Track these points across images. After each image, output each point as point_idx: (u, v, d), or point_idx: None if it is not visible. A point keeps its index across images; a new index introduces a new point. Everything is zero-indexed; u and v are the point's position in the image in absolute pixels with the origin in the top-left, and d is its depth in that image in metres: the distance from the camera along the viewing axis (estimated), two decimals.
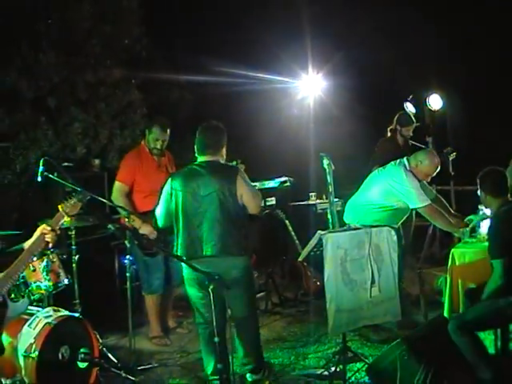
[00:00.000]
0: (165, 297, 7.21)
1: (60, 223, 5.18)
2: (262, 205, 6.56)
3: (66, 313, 5.48)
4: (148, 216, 6.58)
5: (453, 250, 6.14)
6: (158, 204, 5.71)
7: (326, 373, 5.88)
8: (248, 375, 5.87)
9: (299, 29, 10.78)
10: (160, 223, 5.78)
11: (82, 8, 8.93)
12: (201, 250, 5.47)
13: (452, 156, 8.95)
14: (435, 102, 9.76)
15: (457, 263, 6.03)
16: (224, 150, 5.71)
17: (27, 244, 5.16)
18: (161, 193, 5.66)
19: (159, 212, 5.71)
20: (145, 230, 6.70)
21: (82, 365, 5.17)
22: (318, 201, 7.99)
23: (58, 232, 5.17)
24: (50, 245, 5.19)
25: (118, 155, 9.26)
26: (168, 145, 7.16)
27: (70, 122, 8.86)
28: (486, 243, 6.02)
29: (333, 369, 5.78)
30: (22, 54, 8.32)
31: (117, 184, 6.92)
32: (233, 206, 5.48)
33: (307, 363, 6.31)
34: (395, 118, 8.64)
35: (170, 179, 5.64)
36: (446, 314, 5.95)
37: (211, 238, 5.44)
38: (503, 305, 5.10)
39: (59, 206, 5.14)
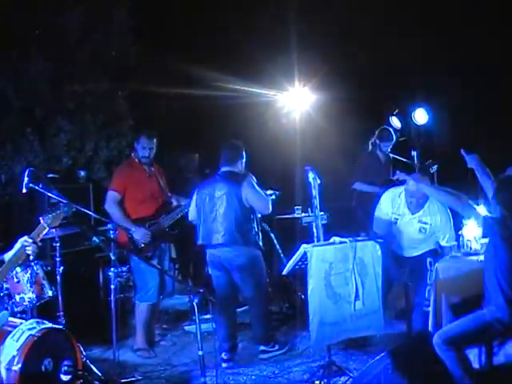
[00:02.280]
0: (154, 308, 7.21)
1: (41, 235, 5.16)
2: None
3: (50, 325, 5.45)
4: (141, 222, 6.92)
5: (437, 264, 6.14)
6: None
7: None
8: (258, 346, 6.85)
9: (287, 42, 10.81)
10: (190, 217, 7.00)
11: (71, 18, 8.91)
12: (213, 239, 6.66)
13: (434, 169, 8.97)
14: (421, 116, 9.79)
15: (441, 277, 6.03)
16: (240, 162, 6.81)
17: (8, 256, 5.13)
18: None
19: (190, 209, 6.95)
20: (138, 234, 6.85)
21: (66, 377, 5.15)
22: (303, 214, 8.00)
23: (39, 244, 5.15)
24: (31, 257, 5.17)
25: (104, 167, 9.25)
26: (156, 156, 7.22)
27: (57, 132, 8.84)
28: (472, 258, 6.09)
29: (317, 382, 5.79)
30: (11, 62, 8.29)
31: (110, 193, 7.02)
32: (239, 206, 6.58)
33: (291, 377, 6.27)
34: (376, 132, 8.70)
35: (198, 186, 6.94)
36: (430, 328, 5.95)
37: (221, 230, 6.61)
38: (489, 319, 5.11)
39: (40, 218, 5.13)
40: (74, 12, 8.92)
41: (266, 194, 6.82)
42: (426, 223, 6.73)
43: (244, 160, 6.86)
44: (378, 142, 8.64)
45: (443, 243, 6.60)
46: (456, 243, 6.53)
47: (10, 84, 8.35)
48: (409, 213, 6.79)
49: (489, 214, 5.32)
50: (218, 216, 6.65)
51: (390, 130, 8.93)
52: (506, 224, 5.06)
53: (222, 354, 6.66)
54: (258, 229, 6.78)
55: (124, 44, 9.71)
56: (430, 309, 5.99)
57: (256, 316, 6.91)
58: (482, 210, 5.93)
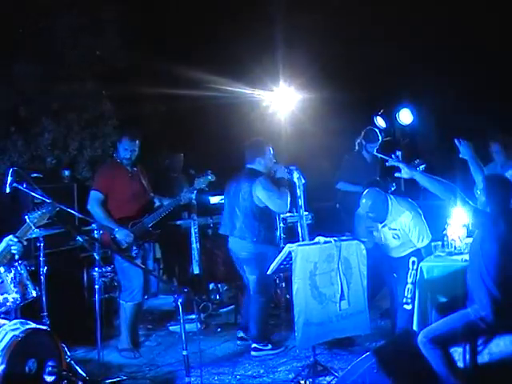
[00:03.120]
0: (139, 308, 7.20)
1: (27, 235, 5.14)
2: None
3: (34, 325, 5.41)
4: (124, 222, 6.89)
5: (421, 263, 6.18)
6: None
7: None
8: (251, 342, 6.96)
9: (272, 42, 10.80)
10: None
11: (58, 19, 8.88)
12: (226, 229, 7.13)
13: (421, 168, 8.98)
14: (405, 116, 9.82)
15: (425, 277, 6.06)
16: (259, 160, 6.95)
17: None
18: None
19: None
20: (121, 234, 6.83)
21: (50, 378, 5.12)
22: (288, 214, 8.01)
23: (25, 243, 5.13)
24: (16, 256, 5.14)
25: (88, 166, 9.22)
26: (141, 156, 7.19)
27: (41, 132, 8.80)
28: (456, 257, 6.12)
29: (302, 382, 5.79)
30: None
31: (93, 193, 6.99)
32: (249, 203, 6.85)
33: (276, 376, 6.28)
34: (362, 133, 8.70)
35: (230, 178, 7.25)
36: (415, 327, 5.97)
37: (232, 222, 7.03)
38: (473, 318, 5.13)
39: (26, 217, 5.10)
40: (61, 13, 8.88)
41: (280, 194, 6.78)
42: (395, 229, 6.77)
43: (266, 156, 6.99)
44: (363, 142, 8.64)
45: (419, 245, 6.64)
46: (431, 238, 6.60)
47: None
48: (378, 223, 6.84)
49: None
50: (233, 209, 7.03)
51: (376, 130, 8.94)
52: (497, 221, 5.08)
53: (240, 333, 7.25)
54: (272, 227, 6.97)
55: (110, 44, 9.68)
56: (415, 308, 6.02)
57: (253, 312, 7.03)
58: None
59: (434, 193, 5.40)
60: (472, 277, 5.27)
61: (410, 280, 6.56)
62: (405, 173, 5.67)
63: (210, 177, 7.22)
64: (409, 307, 6.50)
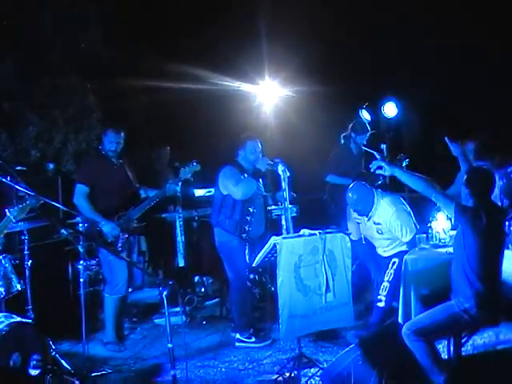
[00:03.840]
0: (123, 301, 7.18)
1: (7, 228, 5.12)
2: None
3: (18, 319, 5.39)
4: (110, 214, 6.86)
5: (406, 256, 6.20)
6: None
7: (280, 378, 5.88)
8: (234, 332, 7.09)
9: (257, 36, 10.80)
10: None
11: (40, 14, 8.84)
12: None
13: (405, 162, 9.00)
14: (390, 109, 9.83)
15: (410, 269, 6.08)
16: (241, 152, 7.06)
17: None
18: None
19: None
20: (107, 227, 6.81)
21: (34, 372, 5.11)
22: (272, 206, 8.01)
23: (2, 235, 5.12)
24: None
25: (73, 159, 9.18)
26: (125, 149, 7.17)
27: (25, 125, 8.75)
28: (440, 250, 6.15)
29: (287, 374, 5.80)
30: None
31: (78, 186, 6.94)
32: (216, 190, 7.12)
33: (262, 369, 6.29)
34: (350, 126, 8.69)
35: None
36: (399, 320, 6.00)
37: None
38: (457, 310, 5.16)
39: (6, 211, 5.09)
40: (44, 6, 8.85)
41: (237, 182, 6.88)
42: (379, 224, 6.82)
43: (247, 150, 7.04)
44: (353, 135, 8.62)
45: (404, 239, 6.67)
46: (415, 232, 6.64)
47: None
48: (364, 217, 6.88)
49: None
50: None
51: (365, 122, 8.95)
52: (479, 214, 5.11)
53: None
54: (233, 216, 6.97)
55: (94, 37, 9.64)
56: (400, 301, 6.05)
57: (232, 301, 7.19)
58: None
59: (416, 189, 5.44)
60: (455, 269, 5.30)
61: (386, 278, 6.63)
62: (386, 170, 5.72)
63: (195, 166, 7.20)
64: (381, 304, 6.56)
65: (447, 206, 5.23)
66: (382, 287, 6.62)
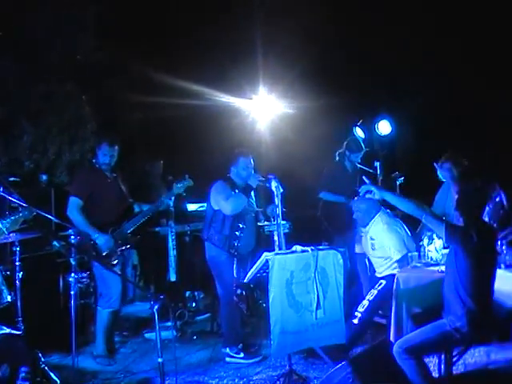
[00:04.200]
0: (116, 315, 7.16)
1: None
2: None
3: (8, 330, 5.36)
4: (103, 228, 6.84)
5: (398, 274, 6.20)
6: None
7: None
8: (224, 347, 7.06)
9: (252, 50, 10.82)
10: None
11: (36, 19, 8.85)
12: None
13: (400, 180, 9.02)
14: (384, 127, 9.86)
15: (402, 287, 6.08)
16: (233, 169, 7.11)
17: None
18: None
19: None
20: (101, 240, 6.79)
21: None
22: (265, 222, 8.00)
23: None
24: None
25: (67, 171, 9.17)
26: (120, 162, 7.18)
27: (20, 135, 8.75)
28: (432, 268, 6.15)
29: None
30: None
31: (72, 199, 6.91)
32: (208, 205, 7.16)
33: None
34: (345, 143, 8.70)
35: None
36: (391, 338, 5.99)
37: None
38: (449, 329, 5.16)
39: None
40: (37, 13, 8.85)
41: (227, 197, 6.92)
42: (373, 239, 6.87)
43: (239, 166, 7.09)
44: (347, 153, 8.62)
45: (396, 257, 6.67)
46: (406, 251, 6.64)
47: None
48: (363, 229, 6.92)
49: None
50: None
51: (359, 140, 8.96)
52: (469, 234, 5.11)
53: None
54: (223, 232, 6.99)
55: (89, 46, 9.66)
56: (392, 318, 6.04)
57: (221, 316, 7.26)
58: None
59: (406, 211, 5.47)
60: (448, 288, 5.30)
61: (367, 297, 6.62)
62: (376, 194, 5.77)
63: (187, 181, 7.23)
64: (355, 321, 6.52)
65: (438, 226, 5.24)
66: (361, 304, 6.60)
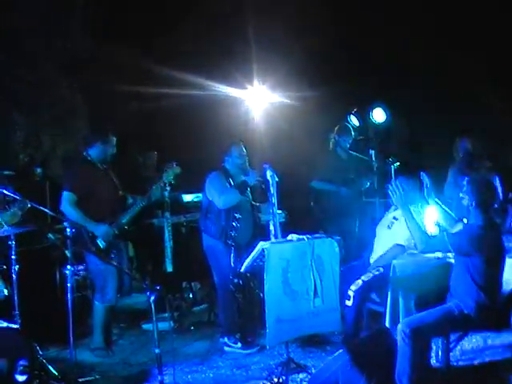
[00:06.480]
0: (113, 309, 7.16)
1: None
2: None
3: (5, 324, 5.37)
4: (100, 219, 6.82)
5: (394, 261, 6.20)
6: None
7: None
8: (221, 337, 7.15)
9: (246, 40, 10.79)
10: None
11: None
12: None
13: (394, 166, 9.00)
14: (379, 115, 9.84)
15: (398, 274, 6.08)
16: (227, 158, 7.18)
17: None
18: None
19: None
20: (100, 231, 6.79)
21: (21, 378, 5.08)
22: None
23: None
24: None
25: (61, 164, 9.15)
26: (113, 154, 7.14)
27: (13, 128, 8.72)
28: (429, 255, 6.14)
29: (275, 380, 5.79)
30: None
31: (66, 194, 6.83)
32: (203, 196, 7.22)
33: (250, 374, 6.29)
34: (335, 128, 8.71)
35: None
36: (387, 324, 6.00)
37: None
38: (456, 312, 5.21)
39: None
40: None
41: (222, 191, 6.96)
42: (396, 219, 6.74)
43: (233, 155, 7.17)
44: (337, 137, 8.64)
45: (402, 242, 6.63)
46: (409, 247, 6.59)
47: None
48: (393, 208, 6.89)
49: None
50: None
51: (350, 125, 8.96)
52: (480, 231, 5.15)
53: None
54: (218, 222, 7.04)
55: (80, 39, 9.62)
56: (387, 305, 6.05)
57: (219, 305, 7.38)
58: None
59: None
60: (456, 280, 5.36)
61: (363, 277, 6.44)
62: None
63: (175, 169, 7.18)
64: (349, 303, 6.37)
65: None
66: (355, 282, 6.37)
